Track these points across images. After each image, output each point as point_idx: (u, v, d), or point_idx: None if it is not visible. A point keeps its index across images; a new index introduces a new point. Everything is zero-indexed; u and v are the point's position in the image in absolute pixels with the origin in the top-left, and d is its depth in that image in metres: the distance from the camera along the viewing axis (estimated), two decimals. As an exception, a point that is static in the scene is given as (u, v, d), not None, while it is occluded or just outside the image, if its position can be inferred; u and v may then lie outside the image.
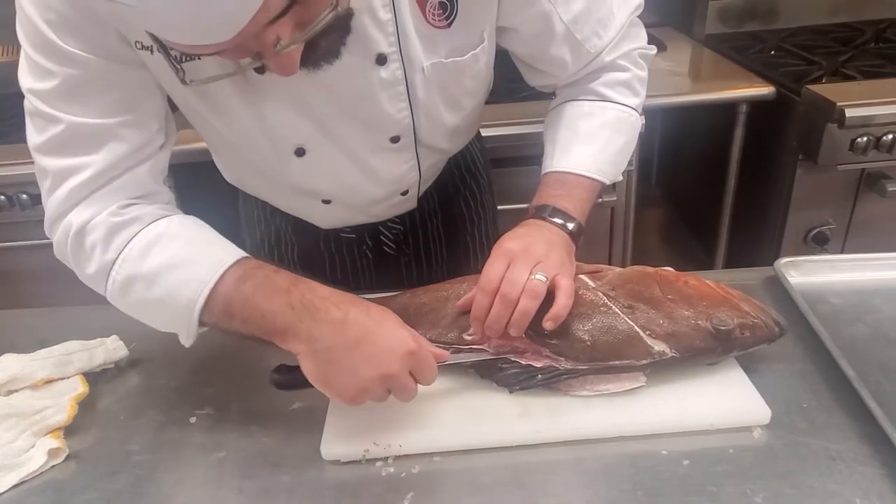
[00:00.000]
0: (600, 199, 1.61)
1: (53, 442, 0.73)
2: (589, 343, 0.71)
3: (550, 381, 0.71)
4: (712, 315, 0.72)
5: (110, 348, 0.86)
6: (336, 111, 0.78)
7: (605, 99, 0.86)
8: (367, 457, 0.68)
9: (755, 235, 1.80)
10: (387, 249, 1.06)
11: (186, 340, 0.71)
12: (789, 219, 1.65)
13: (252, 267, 0.69)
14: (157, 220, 0.72)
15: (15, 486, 0.70)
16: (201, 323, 0.69)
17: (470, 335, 0.75)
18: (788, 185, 1.62)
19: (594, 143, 0.84)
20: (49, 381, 0.81)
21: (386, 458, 0.69)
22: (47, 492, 0.69)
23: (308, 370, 0.65)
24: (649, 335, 0.71)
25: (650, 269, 0.78)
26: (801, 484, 0.61)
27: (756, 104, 1.63)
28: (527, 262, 0.71)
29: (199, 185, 1.73)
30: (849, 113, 1.40)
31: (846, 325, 0.79)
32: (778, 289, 0.88)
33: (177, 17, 0.51)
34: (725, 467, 0.64)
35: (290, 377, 0.69)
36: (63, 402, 0.78)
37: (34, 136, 0.70)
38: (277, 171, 0.86)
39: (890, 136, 1.44)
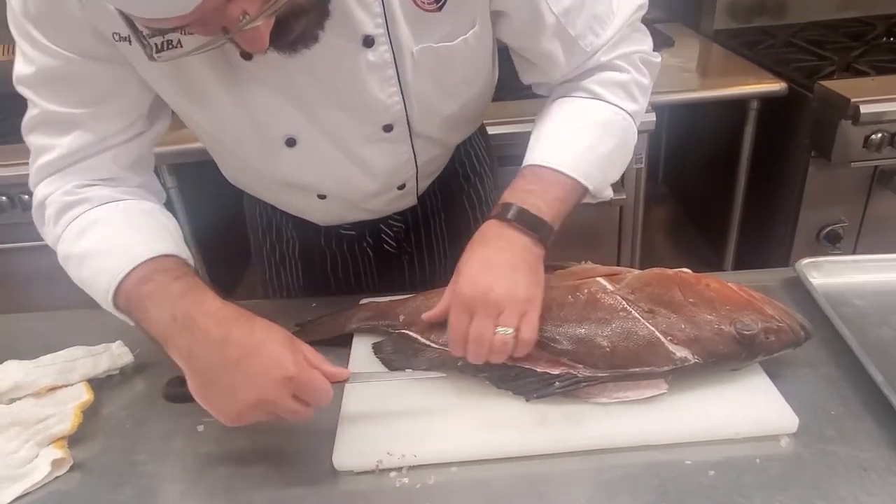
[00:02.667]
0: (609, 198, 1.60)
1: (57, 452, 0.71)
2: (608, 349, 0.69)
3: (568, 389, 0.69)
4: (736, 319, 0.69)
5: (115, 354, 0.84)
6: (324, 97, 0.76)
7: (597, 97, 0.80)
8: (380, 467, 0.66)
9: (765, 234, 1.78)
10: (387, 247, 1.05)
11: (121, 317, 0.73)
12: (801, 217, 1.63)
13: (158, 269, 0.70)
14: (102, 205, 0.76)
15: (18, 498, 0.68)
16: (119, 309, 0.72)
17: None
18: (800, 183, 1.60)
19: (579, 140, 0.78)
20: (53, 389, 0.79)
21: (400, 469, 0.66)
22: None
23: (190, 386, 0.65)
24: (671, 341, 0.69)
25: (669, 272, 0.76)
26: (832, 495, 0.59)
27: (767, 100, 1.60)
28: (487, 315, 0.67)
29: (204, 184, 1.71)
30: (864, 109, 1.38)
31: (872, 328, 0.77)
32: (798, 290, 0.85)
33: None
34: (753, 478, 0.62)
35: (180, 391, 0.67)
36: (67, 410, 0.76)
37: (26, 114, 0.76)
38: (268, 165, 0.84)
39: (904, 133, 1.42)
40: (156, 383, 0.82)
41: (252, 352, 0.62)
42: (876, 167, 1.53)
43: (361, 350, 0.82)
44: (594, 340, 0.70)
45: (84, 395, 0.78)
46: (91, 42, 0.70)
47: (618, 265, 0.84)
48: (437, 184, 1.01)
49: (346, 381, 0.68)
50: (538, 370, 0.71)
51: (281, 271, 1.09)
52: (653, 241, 1.99)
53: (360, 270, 1.07)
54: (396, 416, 0.71)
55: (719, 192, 1.83)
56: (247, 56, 0.70)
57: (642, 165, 1.57)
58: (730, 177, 1.76)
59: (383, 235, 1.03)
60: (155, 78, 0.75)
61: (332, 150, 0.82)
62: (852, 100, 1.39)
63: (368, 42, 0.72)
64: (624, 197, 1.60)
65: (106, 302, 0.71)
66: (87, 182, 0.77)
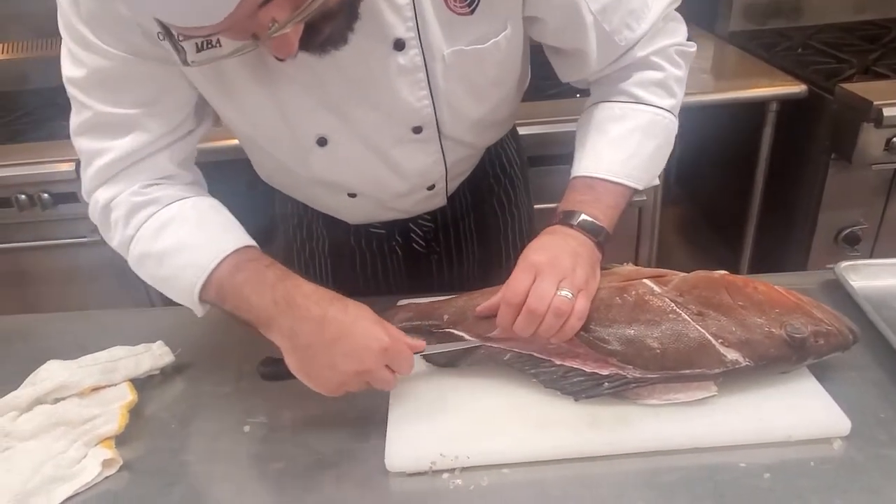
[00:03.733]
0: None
1: (106, 452, 0.71)
2: (659, 351, 0.69)
3: (618, 390, 0.69)
4: (786, 322, 0.70)
5: (156, 354, 0.84)
6: (354, 98, 0.77)
7: (637, 101, 0.82)
8: (433, 468, 0.66)
9: (783, 236, 1.78)
10: (416, 247, 1.05)
11: (197, 312, 0.77)
12: (820, 219, 1.63)
13: (247, 258, 0.73)
14: (172, 203, 0.77)
15: (69, 498, 0.68)
16: (203, 301, 0.75)
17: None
18: (820, 185, 1.60)
19: (625, 147, 0.80)
20: (96, 389, 0.79)
21: (453, 470, 0.66)
22: (103, 504, 0.67)
23: (290, 363, 0.68)
24: (721, 343, 0.69)
25: (716, 274, 0.76)
26: (891, 499, 0.59)
27: (786, 102, 1.61)
28: (553, 277, 0.70)
29: (232, 182, 1.71)
30: (887, 112, 1.38)
31: (914, 332, 0.77)
32: (837, 293, 0.86)
33: (171, 1, 0.53)
34: (809, 481, 0.62)
35: (276, 369, 0.72)
36: (112, 410, 0.76)
37: (73, 117, 0.76)
38: (300, 164, 0.85)
39: (925, 136, 1.43)
40: (197, 383, 0.83)
41: (350, 328, 0.67)
42: (895, 170, 1.53)
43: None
44: (644, 342, 0.70)
45: (128, 395, 0.78)
46: (141, 41, 0.70)
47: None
48: (468, 185, 1.01)
49: (422, 352, 0.73)
50: (587, 370, 0.71)
51: (311, 268, 1.09)
52: (667, 242, 1.99)
53: (388, 269, 1.07)
54: (446, 417, 0.71)
55: (736, 194, 1.83)
56: (280, 57, 0.70)
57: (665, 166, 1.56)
58: (747, 178, 1.76)
59: (412, 235, 1.04)
60: (194, 76, 0.76)
61: (363, 151, 0.83)
62: (875, 103, 1.40)
63: (399, 45, 0.73)
64: (644, 198, 1.60)
65: (192, 295, 0.73)
66: (150, 182, 0.78)
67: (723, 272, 0.77)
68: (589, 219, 0.76)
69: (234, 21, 0.55)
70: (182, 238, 0.75)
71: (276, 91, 0.75)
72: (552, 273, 0.70)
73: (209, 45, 0.69)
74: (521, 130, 1.18)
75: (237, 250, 0.74)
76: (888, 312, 0.80)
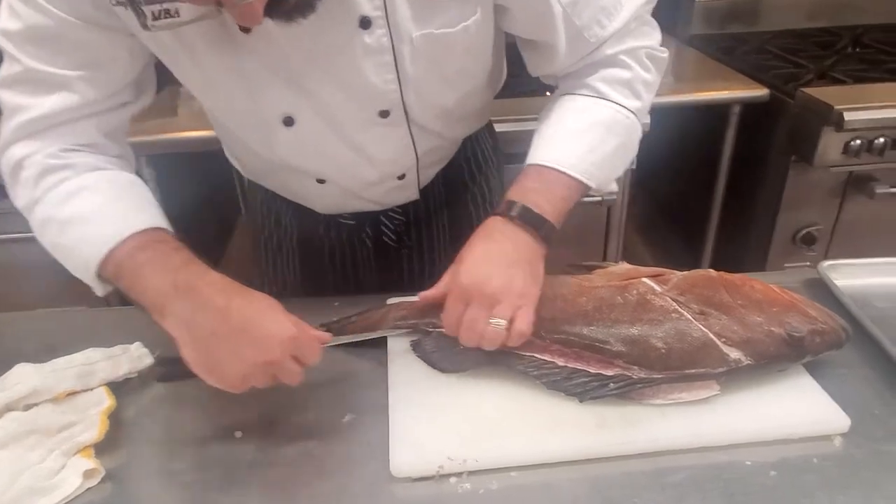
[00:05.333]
0: (600, 198, 1.62)
1: (87, 462, 0.66)
2: (664, 351, 0.69)
3: (623, 391, 0.69)
4: (784, 321, 0.71)
5: (135, 356, 0.79)
6: (319, 75, 0.74)
7: (601, 96, 0.80)
8: (441, 472, 0.65)
9: (743, 236, 1.83)
10: (386, 240, 1.03)
11: (98, 291, 0.73)
12: (779, 220, 1.69)
13: (155, 239, 0.70)
14: (89, 172, 0.73)
15: (48, 513, 0.63)
16: (100, 278, 0.71)
17: None
18: (780, 187, 1.65)
19: (583, 140, 0.79)
20: (71, 394, 0.74)
21: (460, 474, 0.65)
22: (87, 518, 0.63)
23: (188, 355, 0.65)
24: (724, 342, 0.69)
25: (714, 273, 0.77)
26: (892, 494, 0.61)
27: (748, 106, 1.65)
28: (483, 305, 0.69)
29: (182, 177, 1.64)
30: (847, 116, 1.43)
31: (896, 330, 0.80)
32: (818, 291, 0.88)
33: None
34: (813, 477, 0.63)
35: (173, 369, 0.69)
36: (91, 416, 0.71)
37: (2, 67, 0.72)
38: (266, 145, 0.82)
39: (882, 140, 1.49)
40: (178, 386, 0.79)
41: (256, 316, 0.64)
42: (850, 172, 1.59)
43: (399, 349, 0.80)
44: (649, 342, 0.70)
45: (106, 400, 0.74)
46: (88, 6, 0.68)
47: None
48: (442, 180, 1.00)
49: (328, 342, 0.71)
50: (592, 371, 0.71)
51: (278, 259, 1.07)
52: (629, 242, 2.02)
53: (358, 262, 1.05)
54: (451, 420, 0.69)
55: (697, 195, 1.88)
56: (245, 30, 0.69)
57: (634, 166, 1.59)
58: (709, 180, 1.80)
59: (383, 227, 1.02)
60: (157, 46, 0.73)
61: (329, 133, 0.80)
62: (836, 107, 1.45)
63: (365, 23, 0.70)
64: (614, 197, 1.62)
65: (87, 268, 0.70)
66: (69, 147, 0.74)
67: (721, 272, 0.77)
68: (530, 208, 0.74)
69: None
70: (90, 208, 0.71)
71: (240, 63, 0.73)
72: (482, 301, 0.69)
73: (167, 15, 0.64)
74: (499, 127, 1.17)
75: (146, 230, 0.70)
76: (871, 311, 0.83)
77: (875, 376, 0.75)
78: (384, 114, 0.79)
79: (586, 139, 0.79)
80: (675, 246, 2.12)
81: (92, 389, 0.75)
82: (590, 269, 0.83)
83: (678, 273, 0.78)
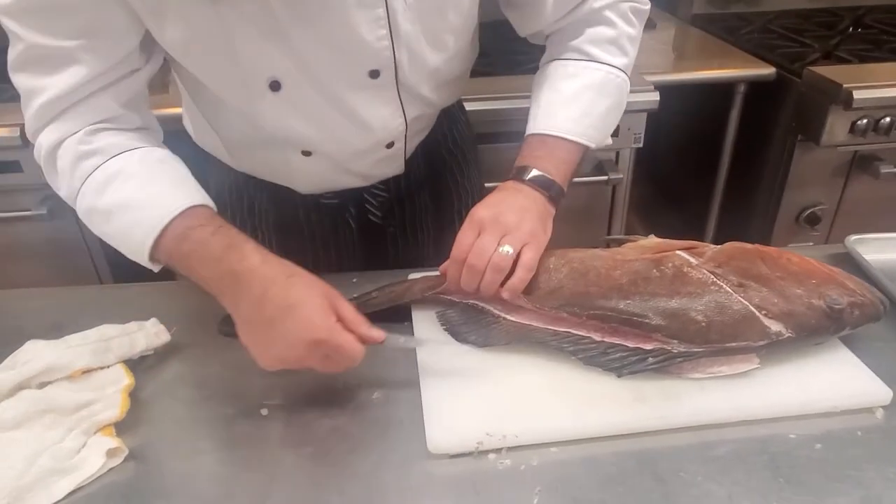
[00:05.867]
0: (606, 177, 1.60)
1: (110, 441, 0.64)
2: (704, 325, 0.68)
3: (663, 365, 0.68)
4: (824, 293, 0.70)
5: (151, 333, 0.76)
6: (310, 35, 0.72)
7: (590, 58, 0.84)
8: (480, 449, 0.63)
9: (746, 216, 1.82)
10: (372, 218, 1.01)
11: (154, 269, 0.73)
12: (783, 200, 1.68)
13: (191, 225, 0.69)
14: (119, 154, 0.72)
15: (71, 493, 0.60)
16: (153, 260, 0.71)
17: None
18: (785, 167, 1.65)
19: (577, 105, 0.82)
20: (86, 372, 0.71)
21: (499, 450, 0.63)
22: (115, 498, 0.60)
23: (239, 334, 0.66)
24: (765, 315, 0.68)
25: (749, 246, 0.75)
26: (941, 466, 0.60)
27: (754, 85, 1.64)
28: (495, 233, 0.72)
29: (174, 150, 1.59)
30: (857, 95, 1.42)
31: (927, 303, 0.79)
32: (847, 266, 0.87)
33: None
34: (859, 450, 0.62)
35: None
36: (110, 394, 0.68)
37: (10, 51, 0.69)
38: (253, 112, 0.80)
39: (888, 119, 1.48)
40: (198, 364, 0.77)
41: (285, 312, 0.63)
42: (856, 152, 1.59)
43: (424, 321, 0.78)
44: (688, 315, 0.68)
45: (124, 378, 0.71)
46: None
47: (607, 246, 0.85)
48: (422, 154, 0.98)
49: (382, 343, 0.67)
50: (629, 345, 0.69)
51: None
52: (629, 221, 2.01)
53: (341, 244, 1.02)
54: (487, 396, 0.67)
55: (701, 174, 1.87)
56: None
57: (641, 145, 1.57)
58: (713, 159, 1.79)
59: (367, 206, 0.99)
60: (138, 3, 0.70)
61: (318, 97, 0.78)
62: (845, 85, 1.44)
63: None
64: (621, 176, 1.60)
65: (141, 254, 0.70)
66: (95, 126, 0.73)
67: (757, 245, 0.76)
68: (541, 173, 0.78)
69: None
70: (127, 195, 0.71)
71: (224, 19, 0.70)
72: (495, 229, 0.72)
73: None
74: (471, 106, 1.17)
75: (183, 213, 0.69)
76: (899, 285, 0.82)
77: (910, 349, 0.74)
78: (374, 74, 0.78)
79: (581, 104, 0.83)
80: (676, 226, 2.11)
81: (108, 367, 0.72)
82: (619, 242, 0.81)
83: (712, 245, 0.76)
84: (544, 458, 0.62)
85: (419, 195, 1.02)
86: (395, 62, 0.77)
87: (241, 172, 0.96)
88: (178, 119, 1.43)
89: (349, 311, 0.66)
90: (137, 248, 0.70)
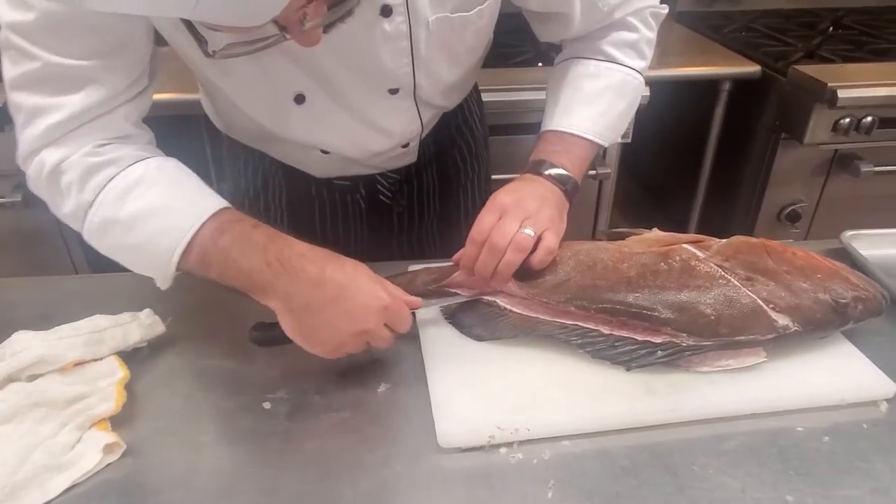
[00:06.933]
0: (594, 171, 1.61)
1: (106, 436, 0.61)
2: (713, 318, 0.68)
3: (672, 358, 0.67)
4: (829, 288, 0.70)
5: (145, 324, 0.73)
6: (336, 59, 0.74)
7: (611, 60, 0.85)
8: (491, 442, 0.62)
9: (728, 213, 1.84)
10: (382, 199, 1.02)
11: (162, 284, 0.70)
12: (765, 197, 1.70)
13: (230, 220, 0.68)
14: (135, 163, 0.69)
15: (67, 490, 0.58)
16: (177, 269, 0.68)
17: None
18: (768, 164, 1.67)
19: (596, 105, 0.84)
20: (78, 364, 0.68)
21: (511, 444, 0.62)
22: (112, 495, 0.58)
23: (287, 326, 0.65)
24: (773, 309, 0.68)
25: (755, 240, 0.75)
26: (947, 458, 0.61)
27: (739, 82, 1.65)
28: (517, 216, 0.73)
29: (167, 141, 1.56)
30: (841, 94, 1.45)
31: (922, 298, 0.80)
32: (842, 261, 0.87)
33: (221, 5, 0.50)
34: (867, 443, 0.62)
35: (269, 334, 0.69)
36: (104, 387, 0.66)
37: (9, 68, 0.66)
38: (277, 123, 0.81)
39: (870, 119, 1.51)
40: (195, 356, 0.74)
41: (349, 286, 0.64)
42: (836, 150, 1.62)
43: (428, 316, 0.77)
44: (698, 308, 0.68)
45: (119, 370, 0.68)
46: None
47: (594, 239, 0.87)
48: (432, 135, 0.99)
49: (420, 307, 0.71)
50: (638, 338, 0.69)
51: (263, 221, 1.02)
52: (613, 216, 2.02)
53: (349, 223, 1.03)
54: (496, 390, 0.66)
55: (683, 171, 1.88)
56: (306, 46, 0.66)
57: (629, 140, 1.58)
58: (697, 155, 1.80)
59: (378, 187, 1.00)
60: (170, 30, 0.70)
61: (339, 109, 0.80)
62: (829, 84, 1.46)
63: (386, 11, 0.71)
64: (608, 171, 1.61)
65: (168, 262, 0.66)
66: (105, 142, 0.69)
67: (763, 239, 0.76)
68: (558, 168, 0.80)
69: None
70: (154, 201, 0.67)
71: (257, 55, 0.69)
72: (517, 212, 0.73)
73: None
74: (484, 97, 1.16)
75: (217, 212, 0.68)
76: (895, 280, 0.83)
77: (909, 343, 0.75)
78: (394, 91, 0.80)
79: (600, 104, 0.84)
80: (659, 221, 2.11)
81: (101, 359, 0.69)
82: (622, 235, 0.81)
83: (717, 239, 0.76)
84: (556, 452, 0.62)
85: (426, 173, 1.03)
86: (414, 81, 0.80)
87: (256, 149, 0.96)
88: (162, 105, 1.41)
89: (389, 283, 0.68)
90: (164, 254, 0.66)
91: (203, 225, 0.66)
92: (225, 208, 0.68)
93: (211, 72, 0.77)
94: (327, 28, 0.62)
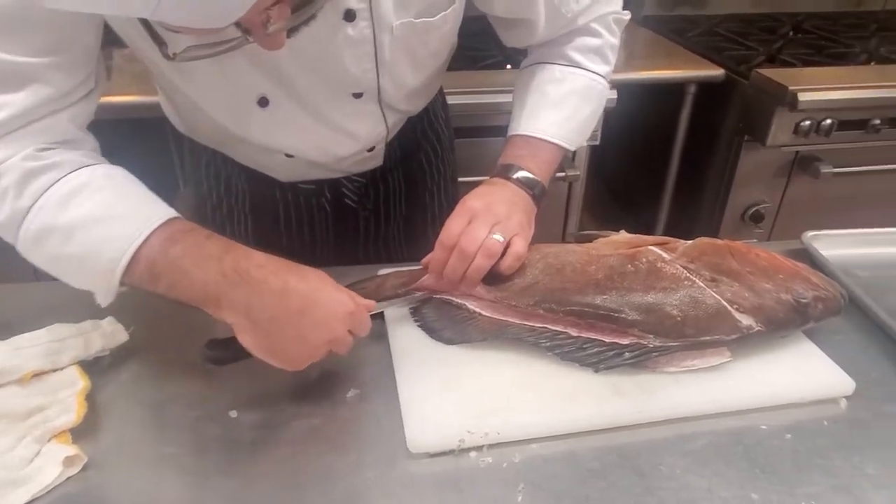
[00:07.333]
0: (564, 174, 1.62)
1: (66, 448, 0.60)
2: (679, 319, 0.69)
3: (640, 360, 0.68)
4: (790, 288, 0.72)
5: (108, 332, 0.72)
6: (298, 63, 0.73)
7: (576, 65, 0.87)
8: (461, 447, 0.62)
9: (694, 214, 1.87)
10: (348, 202, 1.01)
11: (103, 300, 0.65)
12: (730, 198, 1.74)
13: (181, 229, 0.64)
14: (79, 169, 0.65)
15: (26, 506, 0.56)
16: (121, 283, 0.64)
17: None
18: (732, 166, 1.70)
19: (562, 109, 0.85)
20: (37, 375, 0.66)
21: (480, 448, 0.62)
22: (74, 510, 0.56)
23: (248, 342, 0.62)
24: (737, 309, 0.69)
25: (719, 241, 0.77)
26: (904, 452, 0.63)
27: (704, 85, 1.68)
28: (487, 221, 0.73)
29: (118, 147, 1.53)
30: (801, 97, 1.48)
31: (880, 296, 0.82)
32: (803, 262, 0.89)
33: (183, 6, 0.48)
34: (827, 440, 0.64)
35: (226, 351, 0.66)
36: (64, 398, 0.64)
37: None
38: (239, 126, 0.80)
39: (829, 121, 1.55)
40: (158, 365, 0.73)
41: (314, 296, 0.62)
42: (797, 152, 1.65)
43: (397, 320, 0.77)
44: (664, 310, 0.69)
45: (79, 381, 0.67)
46: None
47: (563, 241, 0.89)
48: (397, 139, 0.99)
49: (374, 310, 0.70)
50: (606, 340, 0.69)
51: (227, 228, 1.01)
52: (581, 216, 2.04)
53: (315, 227, 1.02)
54: (465, 393, 0.66)
55: (650, 174, 1.91)
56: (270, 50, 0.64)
57: (597, 142, 1.59)
58: (663, 157, 1.83)
59: (344, 190, 1.00)
60: (128, 31, 0.68)
61: (303, 113, 0.79)
62: (790, 88, 1.49)
63: (350, 16, 0.70)
64: (578, 173, 1.62)
65: (111, 274, 0.62)
66: (47, 146, 0.65)
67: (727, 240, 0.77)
68: (526, 173, 0.81)
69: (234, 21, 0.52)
70: (98, 208, 0.63)
71: (219, 58, 0.67)
72: (487, 217, 0.73)
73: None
74: (448, 100, 1.16)
75: (167, 221, 0.64)
76: (855, 279, 0.85)
77: (867, 341, 0.77)
78: (357, 95, 0.80)
79: (565, 108, 0.86)
80: (626, 223, 2.14)
81: (62, 369, 0.68)
82: (591, 238, 0.82)
83: (683, 241, 0.77)
84: (526, 455, 0.62)
85: (392, 177, 1.03)
86: (378, 86, 0.79)
87: (218, 152, 0.94)
88: (122, 108, 1.38)
89: (347, 289, 0.67)
90: (107, 265, 0.62)
91: (152, 233, 0.62)
92: (175, 217, 0.65)
93: (172, 74, 0.75)
94: (290, 32, 0.61)
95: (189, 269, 0.61)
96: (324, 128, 0.82)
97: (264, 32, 0.55)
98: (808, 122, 1.55)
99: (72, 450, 0.59)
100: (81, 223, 0.62)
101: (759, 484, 0.59)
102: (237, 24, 0.55)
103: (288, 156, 0.87)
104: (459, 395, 0.66)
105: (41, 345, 0.67)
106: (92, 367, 0.71)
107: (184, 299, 0.63)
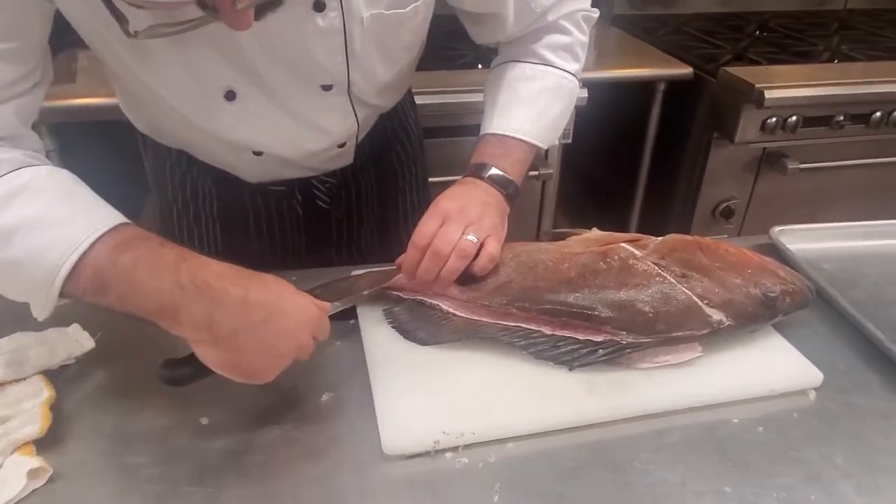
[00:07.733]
0: (537, 172, 1.62)
1: (30, 461, 0.58)
2: (651, 315, 0.69)
3: (613, 357, 0.68)
4: (759, 282, 0.72)
5: (72, 340, 0.70)
6: (266, 54, 0.72)
7: (546, 63, 0.87)
8: (437, 448, 0.61)
9: (665, 210, 1.89)
10: (320, 203, 1.00)
11: (40, 313, 0.60)
12: (700, 195, 1.76)
13: (132, 236, 0.60)
14: (20, 168, 0.61)
15: (-12, 521, 0.55)
16: (62, 294, 0.58)
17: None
18: (702, 163, 1.72)
19: (533, 107, 0.85)
20: (0, 385, 0.64)
21: (456, 448, 0.62)
22: (39, 524, 0.55)
23: (211, 357, 0.59)
24: (707, 304, 0.70)
25: (689, 238, 0.77)
26: (870, 443, 0.64)
27: (673, 83, 1.70)
28: (460, 222, 0.73)
29: (89, 147, 1.50)
30: (768, 95, 1.51)
31: (846, 290, 0.83)
32: (772, 256, 0.91)
33: None
34: (797, 431, 0.65)
35: (184, 370, 0.62)
36: (28, 409, 0.62)
37: None
38: (206, 120, 0.78)
39: (795, 118, 1.58)
40: (125, 373, 0.71)
41: (278, 304, 0.60)
42: (765, 149, 1.68)
43: (370, 322, 0.76)
44: (636, 307, 0.69)
45: (44, 391, 0.65)
46: None
47: (538, 239, 0.90)
48: (368, 138, 0.98)
49: (329, 312, 0.68)
50: (580, 338, 0.70)
51: (195, 232, 0.99)
52: (556, 214, 2.05)
53: (286, 230, 1.01)
54: (439, 394, 0.66)
55: (622, 171, 1.92)
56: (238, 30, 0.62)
57: (569, 140, 1.60)
58: (635, 155, 1.84)
59: (315, 192, 0.98)
60: (82, 13, 0.65)
61: (272, 106, 0.78)
62: (757, 85, 1.52)
63: (319, 6, 0.70)
64: (551, 171, 1.63)
65: (50, 283, 0.57)
66: None
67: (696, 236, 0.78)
68: (499, 172, 0.81)
69: None
70: (40, 211, 0.59)
71: (185, 47, 0.68)
72: (460, 218, 0.73)
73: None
74: (420, 100, 1.17)
75: (117, 226, 0.59)
76: (821, 272, 0.87)
77: (834, 333, 0.79)
78: (327, 87, 0.79)
79: (537, 106, 0.86)
80: (599, 220, 2.15)
81: (25, 379, 0.66)
82: (564, 236, 0.82)
83: (654, 238, 0.78)
84: (501, 455, 0.62)
85: (364, 178, 1.02)
86: (348, 79, 0.78)
87: (183, 153, 0.91)
88: (88, 110, 1.35)
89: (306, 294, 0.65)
90: (48, 271, 0.57)
91: (99, 239, 0.57)
92: (125, 223, 0.61)
93: (134, 62, 0.71)
94: (259, 13, 0.58)
95: (142, 280, 0.57)
96: (293, 122, 0.80)
97: (232, 10, 0.53)
98: (774, 119, 1.58)
99: (36, 462, 0.58)
100: (20, 227, 0.57)
101: (732, 477, 0.60)
102: (204, 3, 0.53)
103: (256, 153, 0.84)
104: (434, 396, 0.66)
105: (3, 354, 0.65)
106: (58, 375, 0.69)
107: (135, 312, 0.58)
